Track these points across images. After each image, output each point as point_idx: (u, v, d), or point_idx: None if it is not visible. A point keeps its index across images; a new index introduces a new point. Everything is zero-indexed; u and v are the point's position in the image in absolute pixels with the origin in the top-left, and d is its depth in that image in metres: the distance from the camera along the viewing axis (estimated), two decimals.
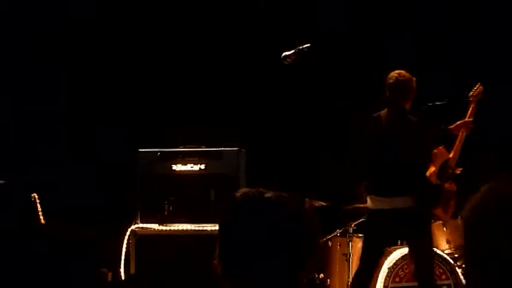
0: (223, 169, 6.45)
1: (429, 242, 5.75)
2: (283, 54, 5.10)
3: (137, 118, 7.72)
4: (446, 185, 5.86)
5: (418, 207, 5.56)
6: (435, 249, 6.27)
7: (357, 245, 6.38)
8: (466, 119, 5.99)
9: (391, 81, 5.72)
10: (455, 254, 6.44)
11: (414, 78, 5.73)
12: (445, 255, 6.26)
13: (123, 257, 6.04)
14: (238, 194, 2.28)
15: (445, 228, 6.49)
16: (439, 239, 6.47)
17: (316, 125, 7.35)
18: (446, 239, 6.48)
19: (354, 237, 6.43)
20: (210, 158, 6.47)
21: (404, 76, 5.71)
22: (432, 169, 5.78)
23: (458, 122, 5.96)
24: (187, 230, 6.15)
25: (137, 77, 7.79)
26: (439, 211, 5.80)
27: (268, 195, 2.25)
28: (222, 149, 6.51)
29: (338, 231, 6.57)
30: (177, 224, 6.22)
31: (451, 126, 5.93)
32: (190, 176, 6.41)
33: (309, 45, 5.08)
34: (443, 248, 6.40)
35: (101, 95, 7.82)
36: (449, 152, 5.99)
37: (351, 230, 6.48)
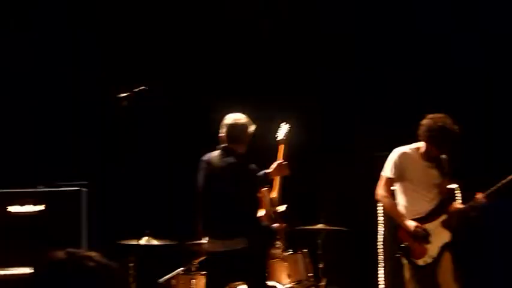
0: (64, 209, 6.34)
1: (263, 282, 5.82)
2: (119, 95, 5.12)
3: None
4: (277, 225, 5.93)
5: (251, 249, 5.59)
6: (276, 284, 6.40)
7: (200, 282, 6.39)
8: (278, 161, 5.98)
9: (225, 121, 5.75)
10: (296, 287, 6.59)
11: (247, 125, 5.74)
12: None
13: None
14: (47, 255, 2.29)
15: (285, 263, 6.63)
16: (280, 273, 6.60)
17: (161, 163, 7.37)
18: (287, 273, 6.61)
19: (197, 275, 6.45)
20: (50, 198, 6.34)
21: (239, 119, 5.74)
22: (263, 211, 5.85)
23: (273, 166, 5.94)
24: (24, 274, 5.97)
25: None
26: (272, 251, 5.87)
27: (77, 256, 2.27)
28: (62, 189, 6.40)
29: (181, 270, 6.56)
30: (13, 268, 6.03)
31: (269, 171, 5.98)
32: (29, 217, 6.26)
33: (144, 87, 5.12)
34: (284, 282, 6.53)
35: None
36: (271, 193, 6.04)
37: (193, 268, 6.48)
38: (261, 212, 5.80)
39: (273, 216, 5.91)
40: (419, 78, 7.78)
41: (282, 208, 6.03)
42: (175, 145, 6.67)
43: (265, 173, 5.84)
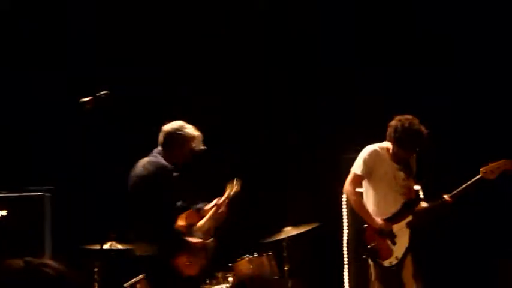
0: (27, 215, 6.29)
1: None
2: (81, 100, 5.11)
3: None
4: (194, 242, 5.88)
5: (155, 255, 5.61)
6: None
7: None
8: (219, 201, 6.11)
9: (164, 126, 5.83)
10: None
11: (182, 135, 5.77)
12: None
13: None
14: (4, 264, 2.28)
15: (251, 266, 6.63)
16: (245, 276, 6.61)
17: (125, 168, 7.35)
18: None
19: None
20: (13, 203, 6.29)
21: (176, 127, 5.78)
22: (181, 224, 5.86)
23: (211, 204, 6.08)
24: None
25: None
26: (181, 264, 5.86)
27: (34, 264, 2.26)
28: (26, 194, 6.34)
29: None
30: None
31: (204, 207, 6.07)
32: None
33: (106, 92, 5.12)
34: None
35: None
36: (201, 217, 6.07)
37: None
38: (180, 222, 5.84)
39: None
40: (390, 78, 7.84)
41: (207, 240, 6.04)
42: (140, 149, 6.63)
43: (201, 208, 6.02)
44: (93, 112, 5.08)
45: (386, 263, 6.07)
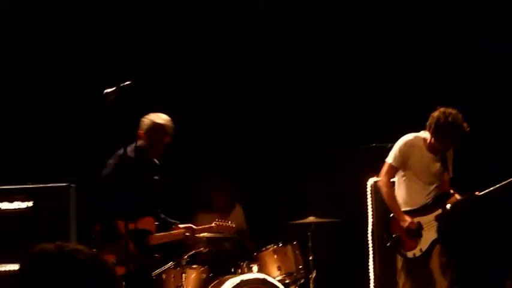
0: (53, 206, 6.32)
1: None
2: (105, 91, 5.11)
3: None
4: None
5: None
6: (267, 276, 6.41)
7: (190, 277, 6.41)
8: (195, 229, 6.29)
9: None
10: (286, 280, 6.61)
11: (146, 123, 5.92)
12: (276, 282, 6.40)
13: None
14: (36, 249, 2.30)
15: (275, 256, 6.65)
16: (270, 266, 6.62)
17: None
18: (277, 266, 6.63)
19: (187, 269, 6.45)
20: (39, 194, 6.32)
21: (147, 116, 5.95)
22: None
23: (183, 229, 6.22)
24: (13, 271, 5.95)
25: None
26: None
27: (67, 249, 2.28)
28: (51, 185, 6.37)
29: (171, 264, 6.56)
30: (4, 265, 6.00)
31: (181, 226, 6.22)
32: (18, 214, 6.24)
33: (129, 82, 5.12)
34: (274, 275, 6.55)
35: None
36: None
37: (184, 262, 6.49)
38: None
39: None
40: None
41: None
42: None
43: (174, 223, 6.23)
44: (116, 103, 5.09)
45: (409, 254, 6.03)
